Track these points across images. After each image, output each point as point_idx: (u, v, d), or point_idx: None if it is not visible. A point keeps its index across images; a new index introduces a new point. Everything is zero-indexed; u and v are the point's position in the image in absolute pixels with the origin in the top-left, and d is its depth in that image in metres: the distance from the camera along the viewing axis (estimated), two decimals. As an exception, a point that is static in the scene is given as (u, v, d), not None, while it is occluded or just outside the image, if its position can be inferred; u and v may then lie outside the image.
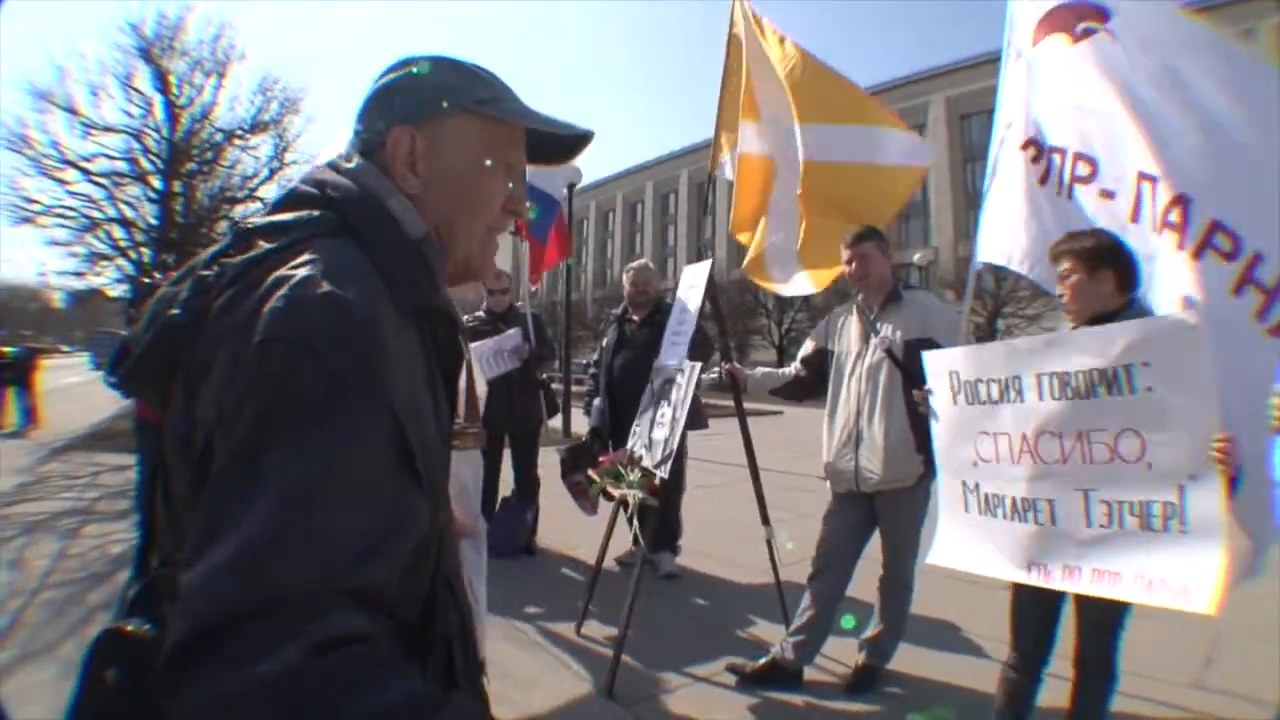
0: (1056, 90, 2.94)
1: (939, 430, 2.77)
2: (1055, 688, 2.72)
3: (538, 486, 6.03)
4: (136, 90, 15.04)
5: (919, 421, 3.18)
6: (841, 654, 3.79)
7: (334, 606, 0.71)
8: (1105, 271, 2.46)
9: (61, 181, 14.01)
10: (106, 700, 0.86)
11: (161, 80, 15.19)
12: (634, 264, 5.72)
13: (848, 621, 4.16)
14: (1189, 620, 2.05)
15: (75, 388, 27.25)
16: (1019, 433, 2.39)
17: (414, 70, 1.04)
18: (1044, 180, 2.93)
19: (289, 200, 0.96)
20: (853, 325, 3.62)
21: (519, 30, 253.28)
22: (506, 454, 6.02)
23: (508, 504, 6.00)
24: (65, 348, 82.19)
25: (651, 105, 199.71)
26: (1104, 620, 2.51)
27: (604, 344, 5.72)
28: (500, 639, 4.19)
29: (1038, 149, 2.96)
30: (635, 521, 3.67)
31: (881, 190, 4.07)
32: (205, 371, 0.81)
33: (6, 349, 15.13)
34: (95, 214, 14.53)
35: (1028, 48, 3.06)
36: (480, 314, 6.12)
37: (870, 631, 3.64)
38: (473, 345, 5.23)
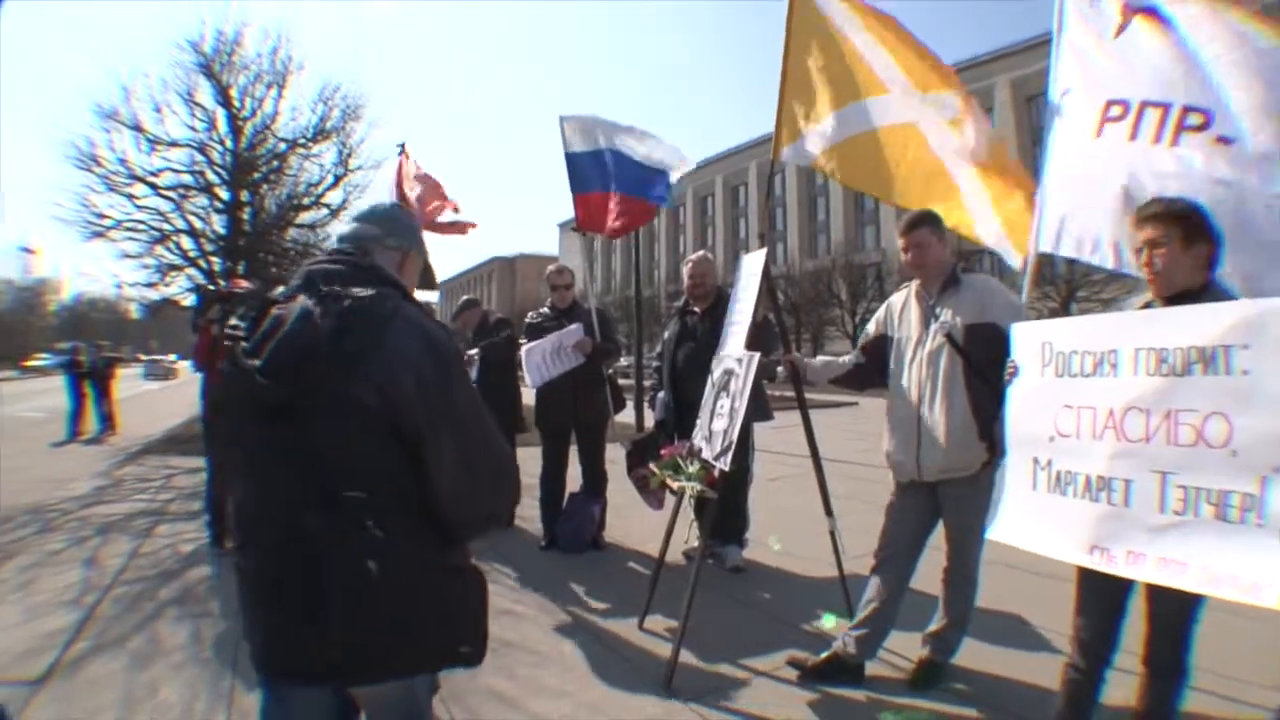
0: (1151, 52, 3.03)
1: (1015, 404, 2.76)
2: (1123, 684, 2.66)
3: (605, 481, 6.11)
4: (199, 105, 15.67)
5: (981, 408, 3.22)
6: (905, 648, 3.78)
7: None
8: (1200, 246, 2.41)
9: (130, 196, 14.68)
10: (369, 587, 1.60)
11: (223, 94, 15.76)
12: (692, 256, 5.74)
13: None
14: (1272, 618, 1.98)
15: (151, 395, 28.68)
16: (1106, 408, 2.36)
17: (415, 222, 2.06)
18: (1134, 136, 3.02)
19: (362, 275, 1.73)
20: (912, 311, 3.60)
21: (582, 29, 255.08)
22: (574, 449, 6.13)
23: (575, 499, 6.11)
24: (143, 356, 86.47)
25: (717, 99, 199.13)
26: (1174, 614, 2.44)
27: (667, 336, 5.77)
28: (561, 632, 4.33)
29: (1123, 107, 3.05)
30: (694, 514, 3.69)
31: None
32: (361, 364, 1.59)
33: (83, 358, 15.95)
34: (164, 226, 15.16)
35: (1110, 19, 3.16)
36: (544, 310, 6.24)
37: (934, 625, 3.63)
38: (528, 346, 5.37)
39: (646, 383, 6.50)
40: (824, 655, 3.65)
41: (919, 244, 3.50)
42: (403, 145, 8.22)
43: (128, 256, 15.21)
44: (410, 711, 1.86)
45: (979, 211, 3.94)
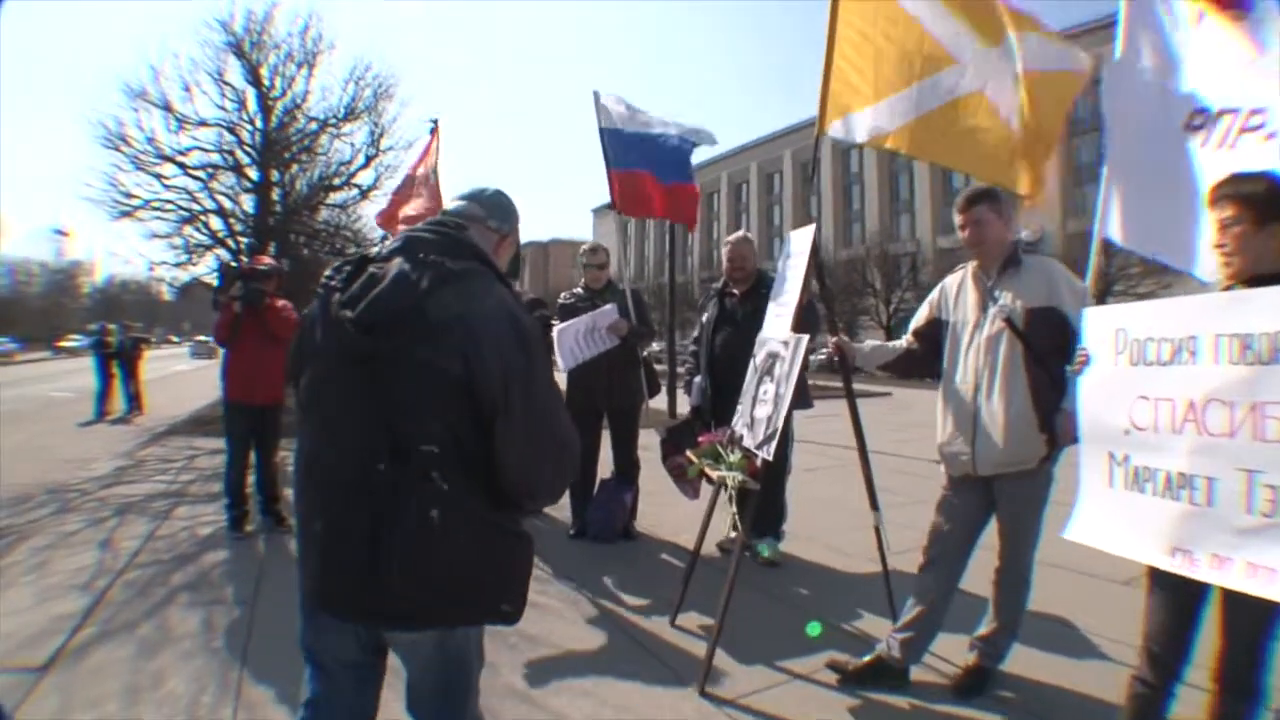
0: (1229, 55, 2.89)
1: (1088, 395, 2.60)
2: (1192, 701, 2.45)
3: (638, 469, 5.95)
4: (229, 84, 15.59)
5: (1042, 398, 3.08)
6: (950, 652, 3.59)
7: None
8: (1276, 225, 2.20)
9: (159, 176, 14.65)
10: (431, 535, 1.68)
11: (253, 73, 15.69)
12: (731, 236, 5.55)
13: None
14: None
15: (182, 375, 29.07)
16: (1185, 399, 2.19)
17: (515, 209, 2.14)
18: (1205, 142, 2.90)
19: (461, 249, 1.83)
20: (969, 293, 3.40)
21: (612, 19, 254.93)
22: (606, 435, 5.96)
23: (606, 486, 5.93)
24: (174, 338, 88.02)
25: (752, 85, 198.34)
26: (1252, 628, 2.22)
27: (704, 320, 5.57)
28: (591, 628, 4.16)
29: (1204, 116, 2.91)
30: (734, 506, 3.48)
31: (1053, 96, 3.70)
32: (449, 332, 1.68)
33: (111, 339, 16.10)
34: (193, 206, 15.15)
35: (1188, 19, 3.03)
36: (577, 290, 6.07)
37: (983, 629, 3.44)
38: (560, 326, 5.19)
39: (681, 369, 6.28)
40: (866, 659, 3.50)
41: (977, 221, 3.32)
42: (435, 122, 8.12)
43: (156, 236, 15.23)
44: (448, 665, 1.93)
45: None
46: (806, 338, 3.58)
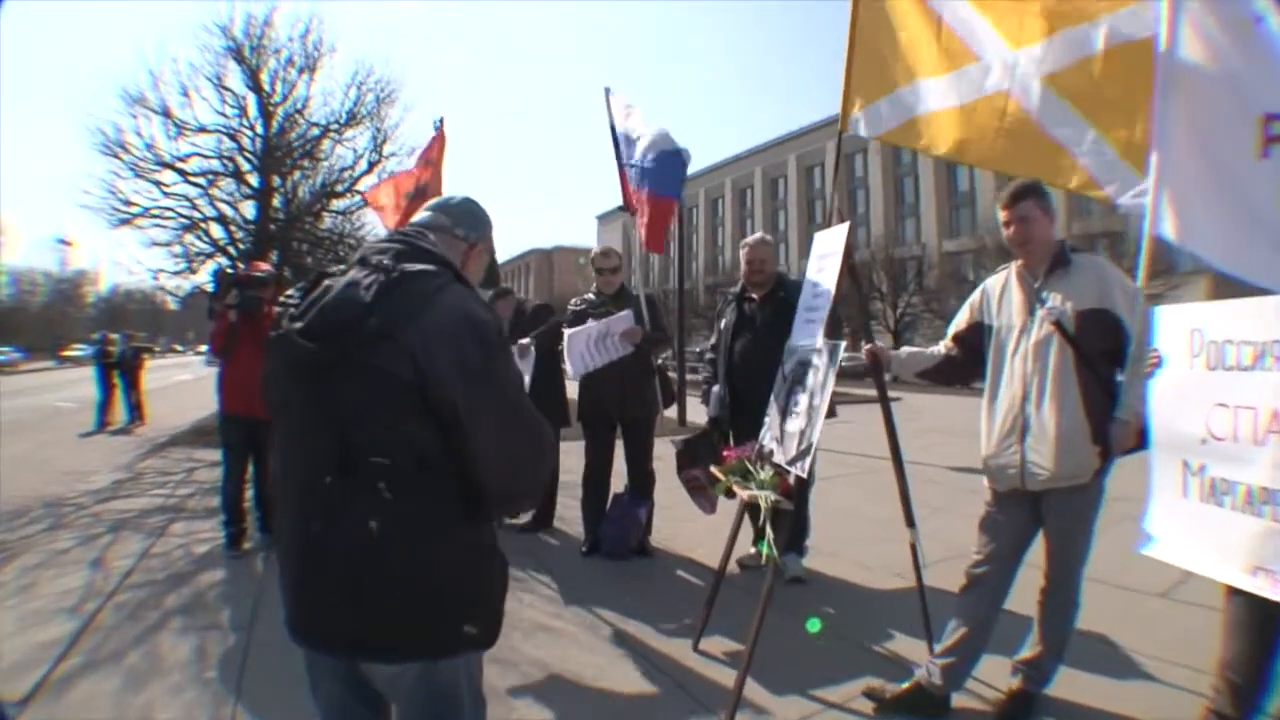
0: None
1: (1161, 399, 2.45)
2: None
3: (653, 482, 5.70)
4: (229, 90, 15.48)
5: (1095, 407, 2.91)
6: (992, 675, 3.36)
7: None
8: None
9: (158, 183, 14.57)
10: (371, 544, 1.59)
11: (253, 79, 15.60)
12: (749, 239, 5.32)
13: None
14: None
15: (186, 385, 28.97)
16: (1270, 409, 2.05)
17: (486, 217, 2.08)
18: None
19: (421, 255, 1.74)
20: (1013, 295, 3.20)
21: (614, 20, 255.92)
22: (619, 446, 5.72)
23: (620, 500, 5.69)
24: (179, 347, 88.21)
25: (755, 91, 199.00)
26: None
27: (721, 326, 5.33)
28: (609, 655, 3.92)
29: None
30: (769, 528, 3.23)
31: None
32: (397, 335, 1.59)
33: (113, 348, 15.96)
34: (193, 214, 15.07)
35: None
36: (589, 296, 5.84)
37: (1027, 652, 3.23)
38: (570, 332, 4.98)
39: (699, 376, 6.04)
40: (904, 686, 3.29)
41: (1023, 218, 3.11)
42: (440, 121, 7.99)
43: (156, 244, 15.13)
44: (432, 704, 1.79)
45: (1088, 150, 3.35)
46: (842, 344, 3.35)
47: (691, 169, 6.23)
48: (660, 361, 5.85)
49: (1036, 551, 3.17)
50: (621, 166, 5.87)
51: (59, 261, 78.91)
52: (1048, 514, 3.07)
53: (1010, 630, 3.28)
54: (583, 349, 5.33)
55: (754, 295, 5.16)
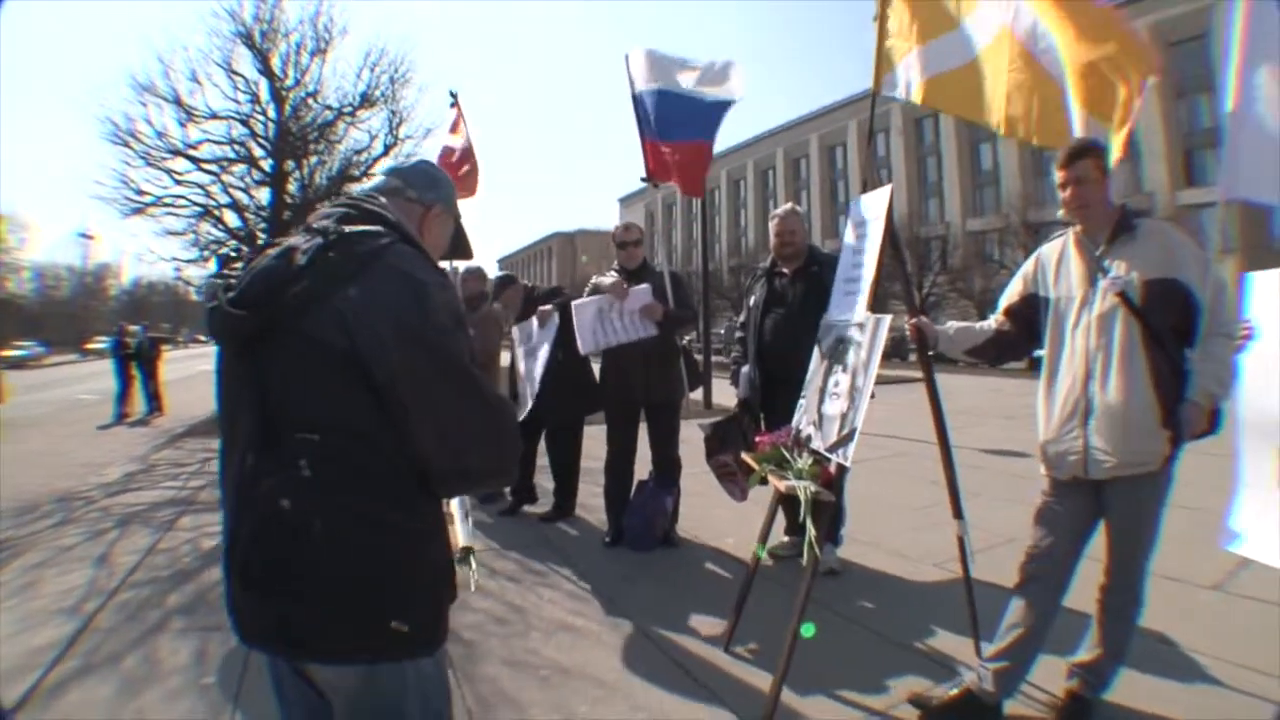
0: None
1: (1253, 376, 2.32)
2: None
3: (679, 468, 5.42)
4: (239, 75, 15.42)
5: (1164, 385, 2.66)
6: (1045, 677, 3.10)
7: None
8: None
9: (170, 171, 14.53)
10: (282, 526, 1.45)
11: (264, 63, 15.50)
12: (779, 209, 5.02)
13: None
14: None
15: (207, 375, 29.16)
16: None
17: (445, 179, 1.92)
18: None
19: (366, 216, 1.61)
20: (1072, 264, 2.92)
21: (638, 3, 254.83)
22: (643, 432, 5.45)
23: (644, 488, 5.41)
24: (202, 338, 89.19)
25: (776, 70, 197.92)
26: None
27: (750, 303, 5.04)
28: (634, 657, 3.67)
29: None
30: (809, 523, 2.96)
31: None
32: (327, 299, 1.45)
33: (130, 340, 15.96)
34: (207, 201, 15.04)
35: None
36: (611, 271, 5.55)
37: (1085, 654, 2.98)
38: (577, 302, 4.75)
39: (729, 357, 5.79)
40: (953, 691, 3.04)
41: (1080, 179, 2.84)
42: (454, 95, 7.84)
43: (171, 234, 15.14)
44: (372, 716, 1.60)
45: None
46: (888, 318, 3.06)
47: (713, 149, 6.07)
48: (685, 342, 5.55)
49: (1095, 544, 2.92)
50: (642, 134, 5.62)
51: (82, 256, 79.72)
52: (1111, 504, 2.82)
53: (1066, 627, 3.00)
54: (593, 322, 5.10)
55: (785, 270, 4.89)
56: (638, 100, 5.84)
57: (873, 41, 3.81)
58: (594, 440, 5.52)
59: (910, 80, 3.76)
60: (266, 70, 15.47)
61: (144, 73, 14.56)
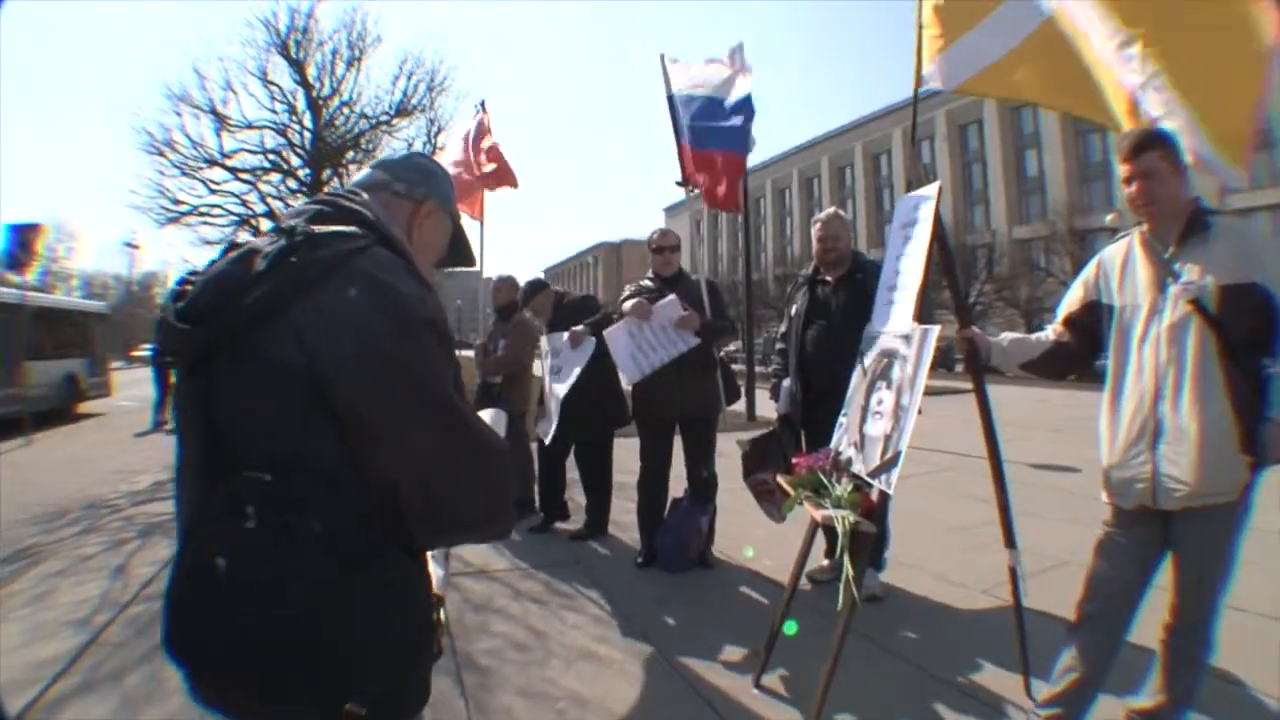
0: None
1: None
2: None
3: (715, 486, 5.18)
4: (275, 85, 15.61)
5: (1244, 404, 2.38)
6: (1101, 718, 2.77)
7: None
8: None
9: (206, 181, 14.76)
10: (215, 586, 1.20)
11: (300, 73, 15.62)
12: (821, 214, 4.80)
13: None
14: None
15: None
16: None
17: (441, 172, 1.68)
18: None
19: (342, 215, 1.39)
20: (1138, 268, 2.64)
21: (681, 15, 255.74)
22: (678, 446, 5.23)
23: (678, 506, 5.18)
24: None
25: (821, 79, 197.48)
26: None
27: (792, 312, 4.80)
28: (657, 688, 3.46)
29: None
30: (846, 559, 2.71)
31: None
32: (283, 311, 1.24)
33: (144, 349, 16.24)
34: (244, 210, 15.18)
35: None
36: (644, 281, 5.35)
37: (1147, 700, 2.70)
38: (607, 332, 4.55)
39: (768, 368, 5.56)
40: None
41: (1148, 173, 2.56)
42: (482, 103, 7.77)
43: (207, 243, 15.28)
44: None
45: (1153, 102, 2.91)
46: (935, 329, 2.81)
47: (757, 159, 5.97)
48: (723, 354, 5.31)
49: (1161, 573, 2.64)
50: (679, 138, 5.45)
51: (128, 264, 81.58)
52: (1182, 537, 2.54)
53: (1126, 663, 2.72)
54: (629, 348, 4.89)
55: (828, 277, 4.66)
56: (672, 102, 5.66)
57: (914, 45, 3.63)
58: (630, 453, 5.32)
59: (953, 71, 3.56)
60: (303, 80, 15.62)
61: (179, 83, 14.68)
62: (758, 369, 16.37)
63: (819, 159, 73.68)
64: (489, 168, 7.44)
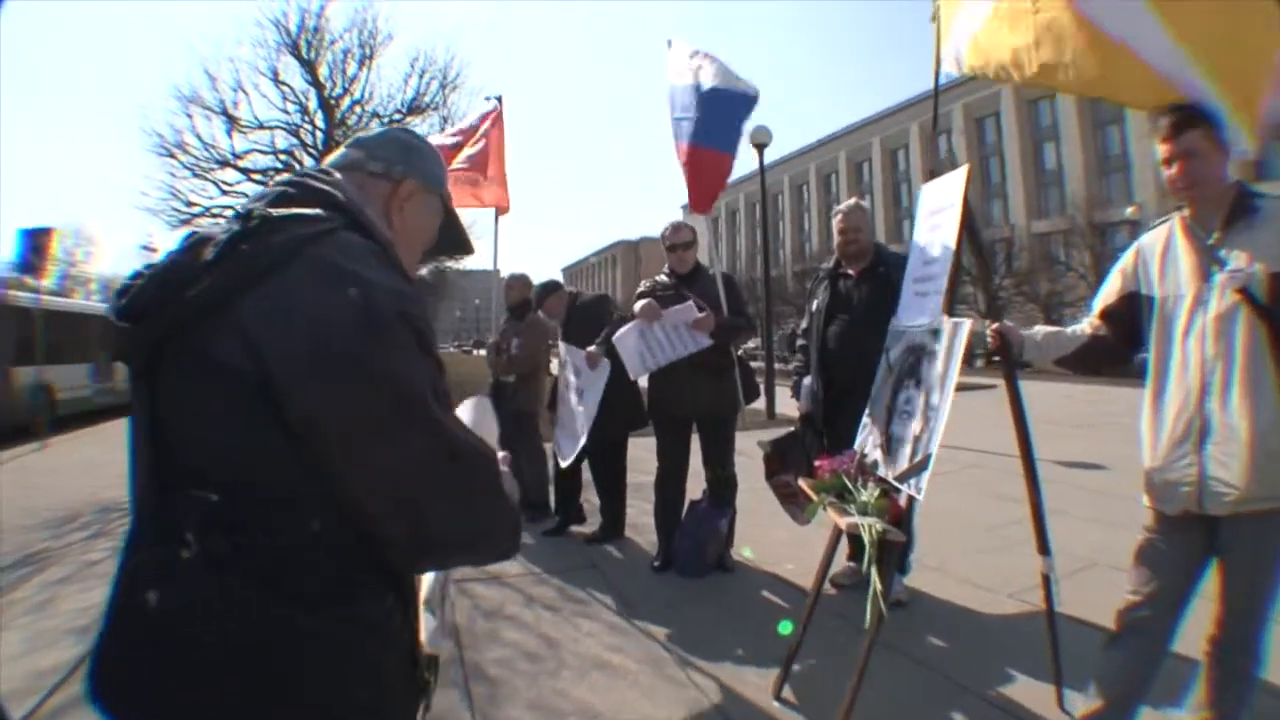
0: None
1: None
2: None
3: (734, 487, 5.04)
4: (287, 85, 15.59)
5: None
6: None
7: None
8: None
9: (218, 182, 14.76)
10: (145, 626, 1.04)
11: (311, 72, 15.60)
12: (841, 205, 4.62)
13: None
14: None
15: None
16: None
17: (427, 149, 1.48)
18: None
19: (307, 196, 1.20)
20: (1181, 255, 2.46)
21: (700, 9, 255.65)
22: (695, 447, 5.08)
23: (696, 509, 5.04)
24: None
25: (838, 74, 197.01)
26: None
27: (813, 308, 4.64)
28: (673, 699, 3.32)
29: None
30: (874, 572, 2.55)
31: None
32: (230, 307, 1.06)
33: None
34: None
35: None
36: (660, 277, 5.21)
37: (1190, 716, 2.52)
38: (616, 336, 4.35)
39: (789, 365, 5.38)
40: None
41: (1190, 152, 2.38)
42: (499, 98, 7.53)
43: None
44: None
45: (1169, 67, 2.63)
46: (967, 323, 2.65)
47: (774, 155, 5.74)
48: (741, 351, 5.16)
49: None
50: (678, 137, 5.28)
51: (145, 267, 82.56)
52: (1230, 544, 2.36)
53: (1168, 672, 2.54)
54: (637, 345, 4.76)
55: (849, 271, 4.50)
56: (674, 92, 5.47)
57: (931, 42, 3.43)
58: (646, 453, 5.18)
59: (960, 50, 3.34)
60: (314, 80, 15.61)
61: (189, 84, 14.81)
62: (776, 366, 16.26)
63: (836, 154, 73.68)
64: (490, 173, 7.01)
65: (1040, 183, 54.83)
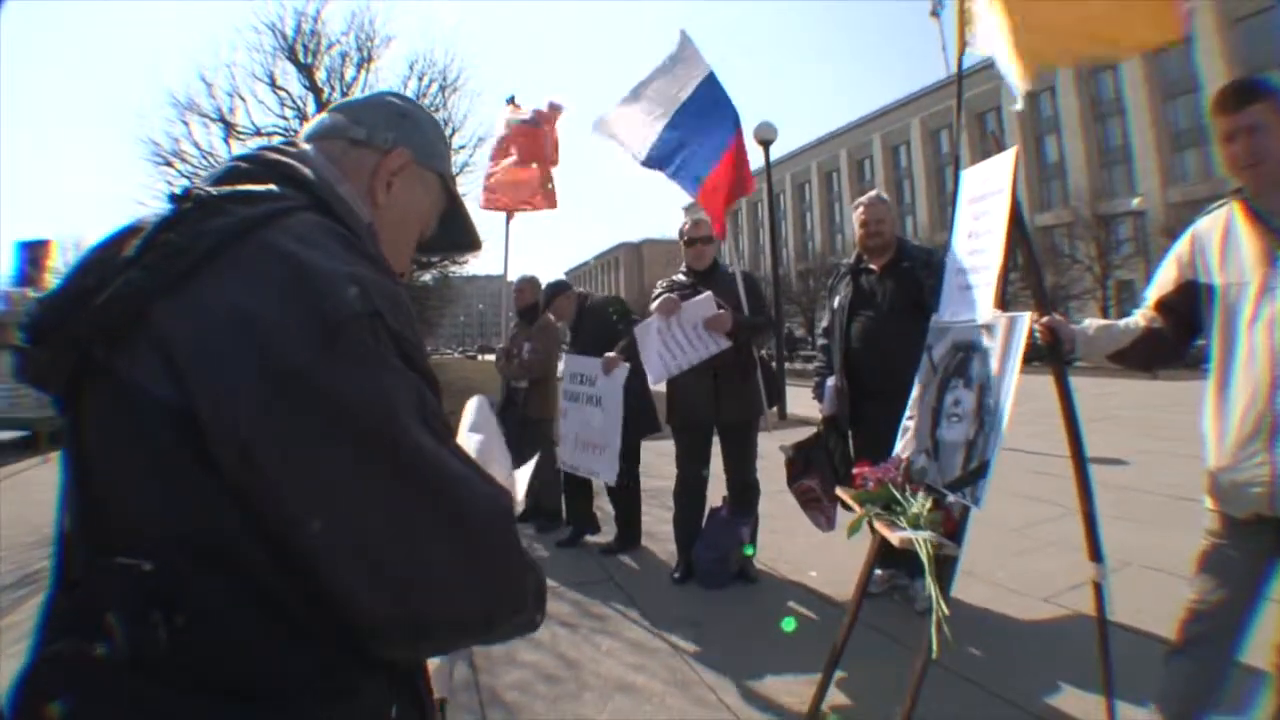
0: None
1: None
2: None
3: (757, 493, 4.85)
4: (284, 90, 15.48)
5: None
6: None
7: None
8: None
9: None
10: None
11: (309, 77, 15.50)
12: (864, 197, 4.46)
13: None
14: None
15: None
16: None
17: (424, 117, 1.23)
18: None
19: (264, 171, 0.97)
20: (1243, 241, 2.30)
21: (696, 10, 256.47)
22: (716, 453, 4.89)
23: (716, 517, 4.85)
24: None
25: (837, 72, 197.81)
26: None
27: (835, 305, 4.47)
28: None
29: None
30: (935, 591, 2.34)
31: None
32: (194, 329, 0.79)
33: None
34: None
35: None
36: (677, 276, 5.03)
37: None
38: (638, 330, 4.19)
39: (810, 365, 5.22)
40: None
41: (1253, 127, 2.23)
42: (512, 98, 7.30)
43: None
44: None
45: None
46: (1026, 317, 2.44)
47: (776, 153, 5.52)
48: (763, 352, 4.97)
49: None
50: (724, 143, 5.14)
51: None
52: None
53: (1232, 681, 2.39)
54: (657, 347, 4.59)
55: (872, 265, 4.33)
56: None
57: (931, 37, 3.35)
58: (659, 457, 4.98)
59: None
60: (312, 84, 15.53)
61: (184, 92, 14.73)
62: (786, 366, 16.03)
63: (837, 152, 73.94)
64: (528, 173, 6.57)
65: (1042, 176, 55.01)
